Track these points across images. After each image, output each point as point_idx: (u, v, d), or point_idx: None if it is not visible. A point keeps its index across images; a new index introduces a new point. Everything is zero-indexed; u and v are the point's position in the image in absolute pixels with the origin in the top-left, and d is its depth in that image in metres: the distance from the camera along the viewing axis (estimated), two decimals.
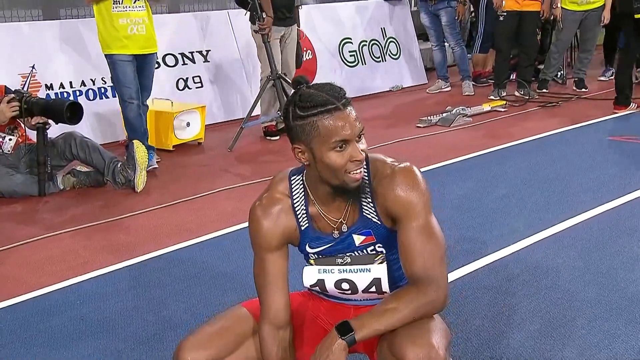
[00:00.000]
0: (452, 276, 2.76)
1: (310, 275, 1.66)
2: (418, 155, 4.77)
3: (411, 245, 1.54)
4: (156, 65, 5.69)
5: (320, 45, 6.86)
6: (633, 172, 4.17)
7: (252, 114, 5.25)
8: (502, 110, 6.04)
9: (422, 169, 4.71)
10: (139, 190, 4.14)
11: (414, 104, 6.70)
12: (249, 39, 5.99)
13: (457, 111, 5.75)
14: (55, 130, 4.35)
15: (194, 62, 6.01)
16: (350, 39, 7.12)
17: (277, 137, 5.31)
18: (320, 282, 1.66)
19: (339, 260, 1.64)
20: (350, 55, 7.09)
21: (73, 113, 4.12)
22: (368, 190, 1.59)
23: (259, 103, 5.28)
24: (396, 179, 1.56)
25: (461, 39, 7.04)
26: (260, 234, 1.62)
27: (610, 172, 4.15)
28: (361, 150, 1.52)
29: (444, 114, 5.71)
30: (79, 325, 2.59)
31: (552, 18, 6.80)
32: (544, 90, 6.70)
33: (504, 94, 6.55)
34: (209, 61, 6.09)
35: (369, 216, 1.60)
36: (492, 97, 6.52)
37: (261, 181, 4.31)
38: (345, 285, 1.64)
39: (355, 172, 1.52)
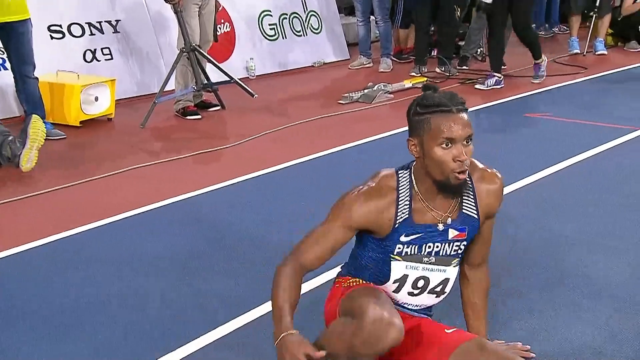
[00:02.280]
0: None
1: (398, 269, 1.84)
2: (341, 132, 4.77)
3: (488, 237, 1.95)
4: (62, 36, 5.47)
5: (238, 17, 6.71)
6: (548, 147, 4.31)
7: (166, 89, 5.08)
8: None
9: (344, 146, 4.74)
10: (23, 168, 3.82)
11: (336, 80, 6.70)
12: (161, 9, 5.79)
13: (379, 88, 5.78)
14: None
15: (103, 33, 5.74)
16: (270, 11, 7.00)
17: (199, 117, 5.15)
18: (404, 278, 1.85)
19: (425, 259, 1.84)
20: (271, 29, 6.98)
21: None
22: (470, 188, 1.83)
23: (173, 77, 5.11)
24: (498, 183, 1.88)
25: (388, 14, 7.05)
26: (351, 213, 1.79)
27: (527, 148, 4.29)
28: (466, 152, 1.72)
29: (366, 91, 5.73)
30: None
31: None
32: (464, 67, 6.84)
33: (425, 70, 6.63)
34: (119, 32, 5.83)
35: (470, 213, 1.84)
36: (413, 73, 6.58)
37: (176, 159, 4.20)
38: (420, 283, 1.85)
39: (459, 171, 1.73)
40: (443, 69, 6.61)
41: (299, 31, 7.23)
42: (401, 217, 1.80)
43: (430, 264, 1.84)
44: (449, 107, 1.72)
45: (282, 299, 1.76)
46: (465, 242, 1.87)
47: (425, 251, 1.83)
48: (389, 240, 1.82)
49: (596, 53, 7.45)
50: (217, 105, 5.36)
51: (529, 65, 6.84)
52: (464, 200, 1.84)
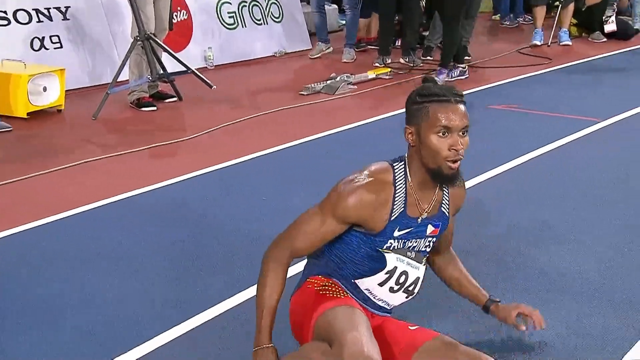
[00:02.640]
0: None
1: (391, 260, 1.90)
2: (302, 124, 4.76)
3: (452, 229, 2.09)
4: (7, 22, 5.33)
5: (196, 5, 6.62)
6: (512, 139, 4.37)
7: (120, 79, 4.99)
8: (387, 77, 6.13)
9: (306, 139, 4.74)
10: None
11: (298, 70, 6.69)
12: None
13: (342, 78, 5.78)
14: None
15: (51, 20, 5.60)
16: None
17: (155, 108, 5.08)
18: (394, 270, 1.91)
19: (409, 254, 1.92)
20: (230, 17, 6.91)
21: None
22: (447, 189, 1.94)
23: (127, 67, 5.03)
24: (464, 186, 2.02)
25: (356, 3, 7.04)
26: (347, 209, 1.83)
27: (490, 141, 4.31)
28: (462, 142, 1.80)
29: (328, 82, 5.72)
30: None
31: None
32: (429, 58, 6.89)
33: (389, 61, 6.63)
34: (68, 19, 5.70)
35: (444, 210, 1.95)
36: (377, 64, 6.58)
37: (131, 152, 4.13)
38: (402, 278, 1.92)
39: (452, 160, 1.80)
40: (407, 59, 6.64)
41: (259, 20, 7.18)
42: (397, 212, 1.86)
43: (411, 259, 1.92)
44: (448, 97, 1.80)
45: (266, 305, 1.84)
46: (435, 240, 1.96)
47: (408, 245, 1.91)
48: (382, 235, 1.87)
49: (560, 44, 7.60)
50: (174, 97, 5.29)
51: (493, 56, 6.97)
52: (444, 197, 1.94)
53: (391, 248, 1.89)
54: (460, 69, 6.11)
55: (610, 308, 2.43)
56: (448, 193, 1.95)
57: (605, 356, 2.15)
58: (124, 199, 3.43)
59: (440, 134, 1.79)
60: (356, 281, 1.93)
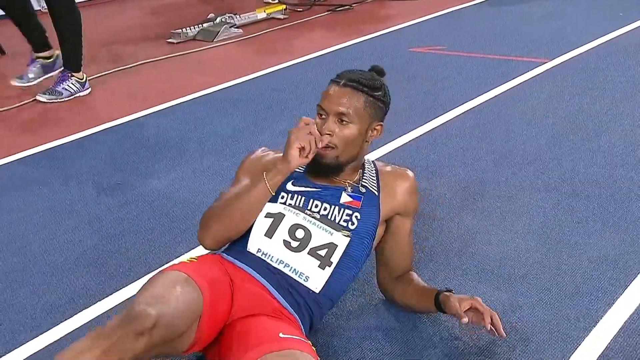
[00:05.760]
0: None
1: (275, 207, 2.05)
2: (171, 82, 4.64)
3: (405, 243, 2.25)
4: None
5: None
6: (440, 89, 4.30)
7: None
8: (282, 17, 6.12)
9: (176, 101, 4.48)
10: None
11: (165, 10, 6.63)
12: None
13: (223, 20, 5.73)
14: None
15: None
16: None
17: None
18: (279, 217, 2.04)
19: (308, 212, 2.06)
20: None
21: None
22: (374, 171, 2.18)
23: None
24: (411, 180, 2.20)
25: None
26: (252, 159, 2.17)
27: (414, 92, 4.24)
28: (337, 132, 2.00)
29: (205, 25, 5.66)
30: None
31: None
32: None
33: None
34: None
35: (370, 188, 2.14)
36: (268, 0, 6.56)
37: None
38: (299, 233, 2.03)
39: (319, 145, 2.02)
40: None
41: None
42: (295, 170, 2.08)
43: (313, 218, 2.05)
44: (340, 80, 2.02)
45: (233, 193, 2.05)
46: (358, 215, 2.08)
47: (311, 206, 2.06)
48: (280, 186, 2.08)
49: None
50: None
51: None
52: (364, 177, 2.15)
53: (285, 203, 2.05)
54: (77, 79, 4.26)
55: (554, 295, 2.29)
56: (376, 175, 2.15)
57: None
58: None
59: (319, 115, 2.03)
60: (247, 245, 2.02)
